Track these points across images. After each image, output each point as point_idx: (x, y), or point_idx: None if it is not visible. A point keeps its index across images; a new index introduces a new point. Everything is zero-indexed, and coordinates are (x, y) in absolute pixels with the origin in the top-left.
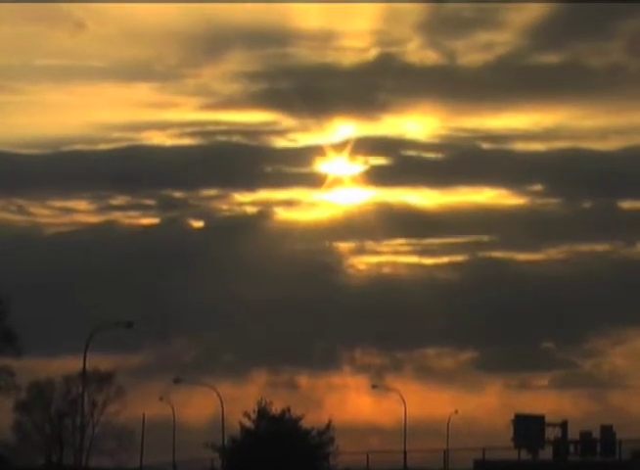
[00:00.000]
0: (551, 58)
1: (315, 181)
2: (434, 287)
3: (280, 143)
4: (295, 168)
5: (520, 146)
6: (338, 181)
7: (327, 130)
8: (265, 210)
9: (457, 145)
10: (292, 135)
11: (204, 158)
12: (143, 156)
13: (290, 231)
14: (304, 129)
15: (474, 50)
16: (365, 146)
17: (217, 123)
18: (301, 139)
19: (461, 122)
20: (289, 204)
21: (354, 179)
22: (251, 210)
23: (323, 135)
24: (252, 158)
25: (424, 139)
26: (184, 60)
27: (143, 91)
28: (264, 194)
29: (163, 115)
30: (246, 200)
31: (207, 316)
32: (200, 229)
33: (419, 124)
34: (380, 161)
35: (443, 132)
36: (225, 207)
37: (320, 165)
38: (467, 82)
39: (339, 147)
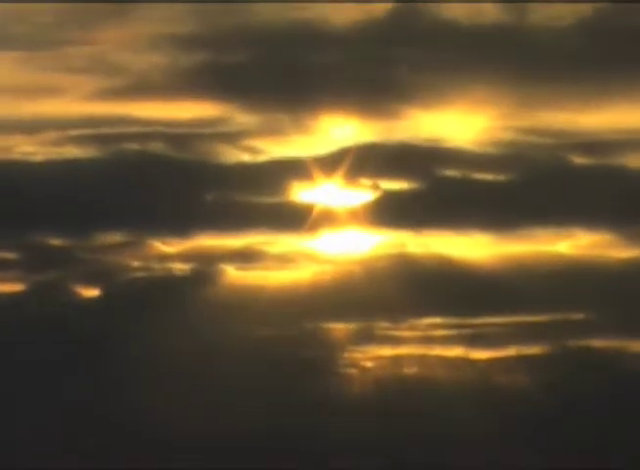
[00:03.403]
0: None
1: (291, 219)
2: (492, 400)
3: (231, 155)
4: (256, 197)
5: (635, 159)
6: (328, 218)
7: (311, 134)
8: (205, 268)
9: (529, 158)
10: (251, 142)
11: (101, 179)
12: None
13: (247, 306)
14: (273, 132)
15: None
16: (374, 160)
17: (124, 121)
18: (268, 149)
19: (535, 121)
20: (245, 258)
21: (356, 215)
22: (180, 268)
23: (304, 142)
24: (185, 179)
25: (472, 148)
26: (68, 15)
27: None
28: (203, 241)
29: (31, 107)
30: (172, 251)
31: None
32: (92, 301)
33: (464, 124)
34: (398, 184)
35: (505, 137)
36: (136, 263)
37: (299, 193)
38: (542, 56)
39: (330, 162)
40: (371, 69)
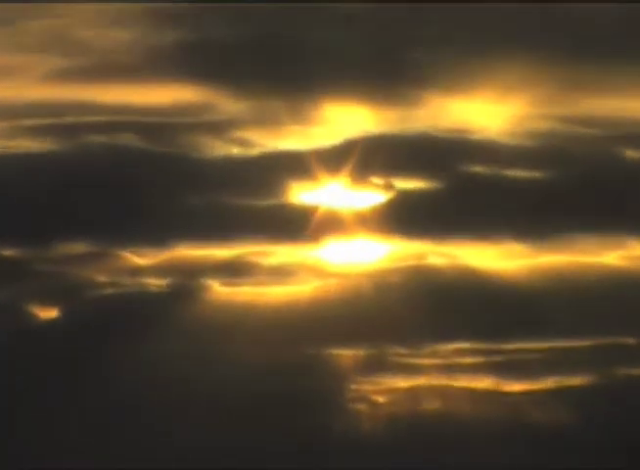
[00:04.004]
0: None
1: (288, 225)
2: (527, 440)
3: (217, 148)
4: (247, 199)
5: None
6: (333, 224)
7: (311, 124)
8: (185, 284)
9: (571, 152)
10: (241, 133)
11: (61, 177)
12: None
13: (236, 328)
14: (267, 122)
15: None
16: (387, 154)
17: (88, 109)
18: (260, 141)
19: (578, 108)
20: (234, 271)
21: (365, 220)
22: (156, 283)
23: (304, 134)
24: (161, 177)
25: (503, 140)
26: None
27: None
28: (184, 251)
29: None
30: (146, 264)
31: None
32: (51, 324)
33: (493, 112)
34: (415, 183)
35: (543, 127)
36: (104, 278)
37: (298, 194)
38: (588, 31)
39: (335, 157)
40: (383, 47)
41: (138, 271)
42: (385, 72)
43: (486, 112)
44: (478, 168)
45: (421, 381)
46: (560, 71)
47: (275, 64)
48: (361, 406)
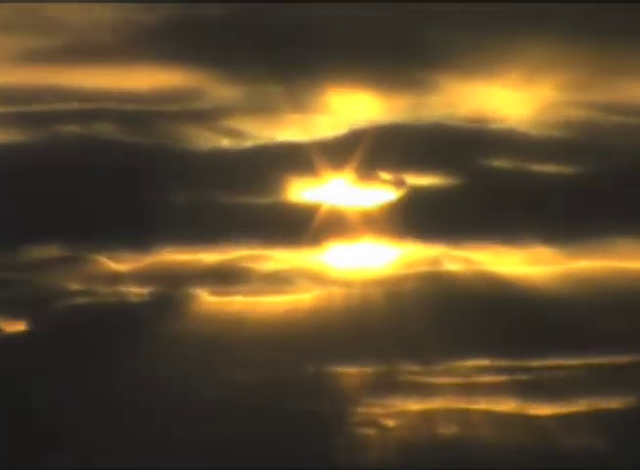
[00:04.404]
0: None
1: (286, 226)
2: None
3: (206, 140)
4: (240, 197)
5: None
6: (337, 225)
7: (313, 112)
8: (170, 293)
9: (606, 144)
10: (233, 123)
11: (31, 172)
12: None
13: (227, 343)
14: (262, 110)
15: None
16: (397, 147)
17: (61, 95)
18: (255, 132)
19: (613, 94)
20: (224, 278)
21: (373, 221)
22: (136, 292)
23: (304, 123)
24: (143, 173)
25: (528, 130)
26: None
27: None
28: (168, 256)
29: None
30: (125, 270)
31: None
32: (18, 338)
33: (517, 99)
34: (429, 179)
35: (573, 116)
36: (78, 286)
37: (297, 191)
38: (625, 6)
39: (339, 149)
40: (394, 26)
41: (116, 278)
42: (395, 54)
43: (510, 98)
44: (499, 163)
45: (436, 403)
46: (593, 52)
47: (272, 44)
48: (369, 432)
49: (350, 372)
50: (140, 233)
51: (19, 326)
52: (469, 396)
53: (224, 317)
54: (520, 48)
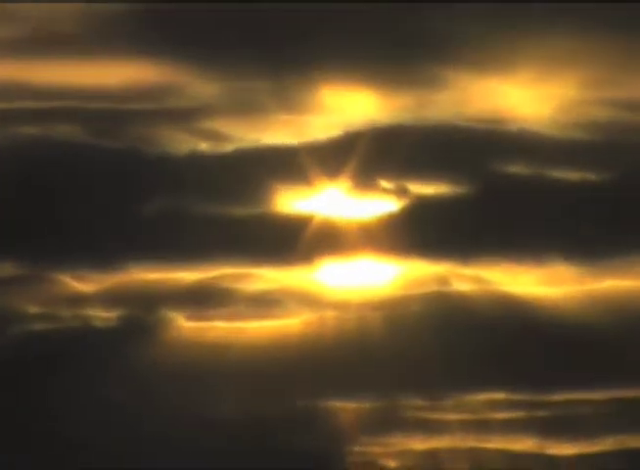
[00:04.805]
0: None
1: (274, 241)
2: None
3: (184, 143)
4: (221, 207)
5: None
6: (331, 239)
7: (304, 112)
8: (141, 316)
9: (633, 147)
10: (214, 124)
11: None
12: None
13: (206, 374)
14: (247, 109)
15: None
16: (399, 151)
17: (19, 92)
18: (239, 134)
19: None
20: (203, 300)
21: (372, 235)
22: (102, 316)
23: (295, 124)
24: (111, 180)
25: (547, 131)
26: None
27: None
28: (139, 275)
29: None
30: (90, 290)
31: None
32: None
33: (534, 96)
34: (436, 187)
35: (596, 115)
36: (36, 308)
37: (287, 201)
38: None
39: (334, 154)
40: (396, 16)
41: (79, 300)
42: (398, 46)
43: (526, 96)
44: (515, 168)
45: (443, 442)
46: (617, 46)
47: (258, 35)
48: None
49: (346, 407)
50: (107, 249)
51: None
52: (481, 433)
53: (203, 345)
54: (538, 41)
